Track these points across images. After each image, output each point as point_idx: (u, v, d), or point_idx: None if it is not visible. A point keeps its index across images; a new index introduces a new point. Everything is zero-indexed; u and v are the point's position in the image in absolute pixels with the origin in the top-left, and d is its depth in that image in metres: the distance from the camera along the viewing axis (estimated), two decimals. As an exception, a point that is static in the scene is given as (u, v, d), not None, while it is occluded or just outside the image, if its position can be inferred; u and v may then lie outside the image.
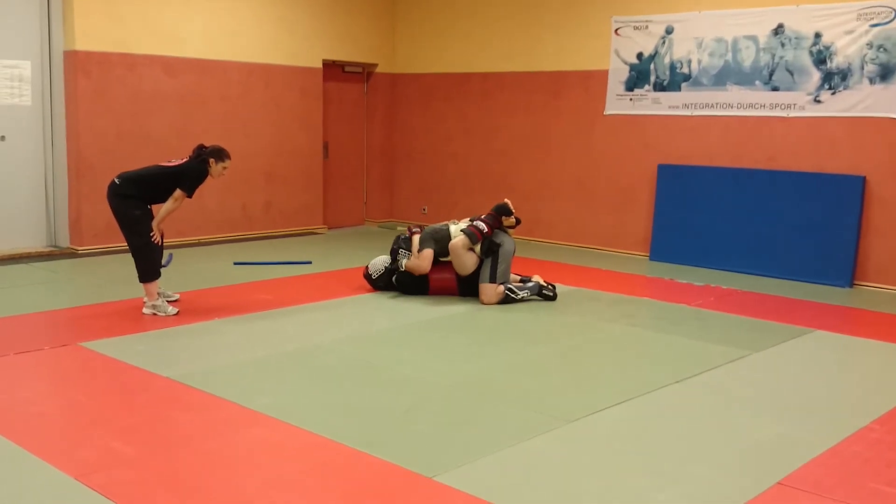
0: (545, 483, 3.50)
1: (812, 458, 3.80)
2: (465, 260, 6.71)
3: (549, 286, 6.90)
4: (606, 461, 3.74)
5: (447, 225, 6.91)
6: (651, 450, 3.87)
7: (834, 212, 7.86)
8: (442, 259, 6.85)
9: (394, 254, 6.99)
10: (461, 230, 6.74)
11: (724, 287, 7.63)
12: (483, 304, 6.70)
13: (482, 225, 6.70)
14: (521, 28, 10.00)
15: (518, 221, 7.04)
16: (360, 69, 11.21)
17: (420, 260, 6.72)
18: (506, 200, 7.00)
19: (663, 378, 4.90)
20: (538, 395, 4.60)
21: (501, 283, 6.72)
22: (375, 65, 11.20)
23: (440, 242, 6.77)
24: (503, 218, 6.88)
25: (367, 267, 7.13)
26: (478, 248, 6.73)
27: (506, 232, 6.89)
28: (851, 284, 7.81)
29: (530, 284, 6.86)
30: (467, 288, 6.84)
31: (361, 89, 11.33)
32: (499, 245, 6.74)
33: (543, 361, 5.28)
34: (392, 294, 6.91)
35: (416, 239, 6.86)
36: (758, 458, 3.81)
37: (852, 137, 7.81)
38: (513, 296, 6.71)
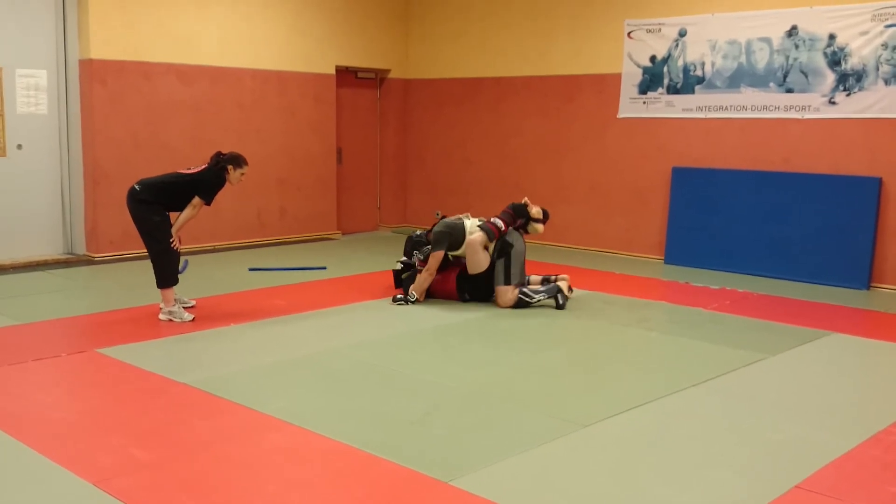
0: (562, 488, 3.49)
1: (830, 461, 3.78)
2: (480, 258, 6.67)
3: (564, 294, 6.74)
4: (623, 465, 3.73)
5: (461, 220, 6.86)
6: (668, 454, 3.86)
7: (850, 213, 7.82)
8: (452, 254, 6.80)
9: (409, 255, 7.02)
10: (478, 226, 6.72)
11: (740, 290, 7.60)
12: (499, 306, 6.69)
13: (499, 222, 6.68)
14: (533, 32, 10.00)
15: (546, 215, 7.01)
16: (373, 75, 11.24)
17: (431, 259, 6.69)
18: (525, 200, 7.00)
19: (680, 382, 4.88)
20: (554, 399, 4.60)
21: (517, 285, 6.71)
22: (388, 70, 11.23)
23: (454, 236, 6.73)
24: (531, 220, 6.87)
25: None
26: (491, 247, 6.72)
27: (518, 231, 6.86)
28: (868, 287, 7.76)
29: (548, 286, 6.79)
30: (469, 289, 6.81)
31: (374, 95, 11.36)
32: (511, 245, 6.72)
33: (559, 366, 5.27)
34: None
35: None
36: (775, 461, 3.80)
37: (868, 139, 7.76)
38: (527, 300, 6.69)
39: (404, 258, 7.10)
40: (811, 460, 3.78)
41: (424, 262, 6.79)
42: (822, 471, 3.68)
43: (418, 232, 7.11)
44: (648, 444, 3.98)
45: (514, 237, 6.77)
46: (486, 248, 6.70)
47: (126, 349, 5.35)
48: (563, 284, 6.83)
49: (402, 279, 7.00)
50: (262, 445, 3.88)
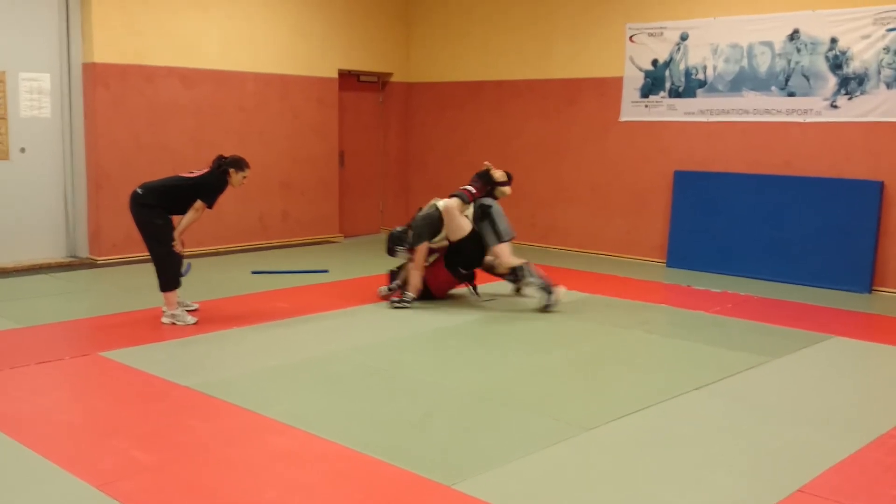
0: (564, 491, 3.50)
1: (832, 465, 3.78)
2: (461, 222, 6.73)
3: (556, 298, 6.67)
4: (625, 469, 3.73)
5: (433, 205, 6.91)
6: (670, 457, 3.86)
7: (852, 217, 7.81)
8: (436, 240, 6.82)
9: (391, 252, 7.05)
10: (452, 194, 6.83)
11: (742, 293, 7.60)
12: (503, 265, 6.74)
13: (471, 188, 6.83)
14: (535, 36, 10.01)
15: (510, 177, 7.12)
16: (375, 78, 11.26)
17: (416, 253, 6.74)
18: (486, 164, 7.12)
19: (682, 385, 4.88)
20: (555, 402, 4.60)
21: (512, 239, 6.78)
22: (390, 74, 11.25)
23: (433, 225, 6.78)
24: (497, 185, 7.01)
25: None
26: (469, 211, 6.78)
27: (493, 196, 6.99)
28: (870, 290, 7.75)
29: (547, 283, 6.74)
30: (460, 263, 6.84)
31: (377, 98, 11.38)
32: (489, 206, 6.82)
33: (560, 369, 5.28)
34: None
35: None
36: (778, 465, 3.80)
37: (869, 142, 7.77)
38: (524, 274, 6.67)
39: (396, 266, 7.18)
40: (813, 464, 3.79)
41: (411, 250, 6.86)
42: (824, 474, 3.68)
43: (399, 228, 7.10)
44: (651, 447, 3.98)
45: (489, 200, 6.89)
46: (465, 215, 6.78)
47: (129, 352, 5.36)
48: (560, 290, 6.76)
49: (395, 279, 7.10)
50: (264, 448, 3.88)
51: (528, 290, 6.84)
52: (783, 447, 4.00)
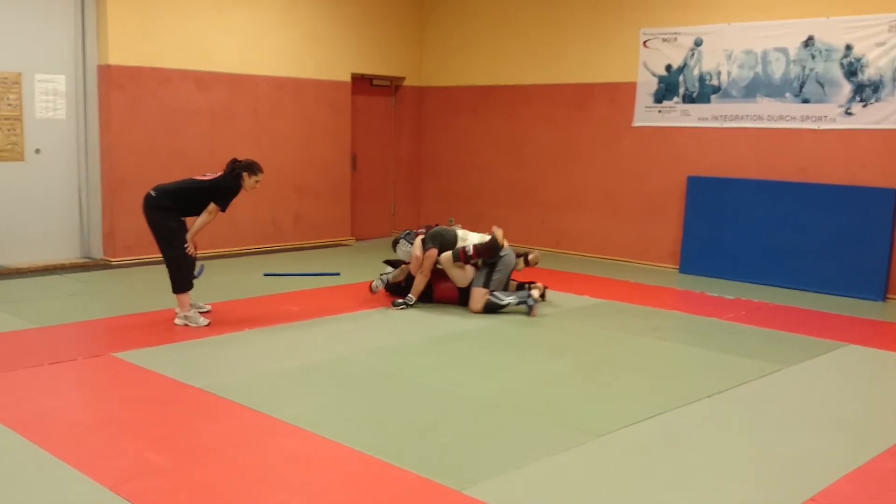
0: (574, 498, 3.49)
1: (844, 474, 3.76)
2: (453, 274, 6.83)
3: (534, 299, 6.71)
4: (636, 476, 3.72)
5: (454, 229, 7.01)
6: (681, 465, 3.85)
7: (866, 224, 7.77)
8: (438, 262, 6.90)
9: (395, 244, 7.08)
10: (454, 249, 6.83)
11: (756, 300, 7.57)
12: (471, 310, 6.75)
13: (470, 248, 6.78)
14: (547, 40, 10.01)
15: (526, 261, 7.15)
16: (388, 82, 11.28)
17: (425, 258, 6.77)
18: (495, 229, 6.92)
19: (694, 392, 4.86)
20: (566, 408, 4.59)
21: (491, 291, 6.76)
22: (403, 78, 11.27)
23: (446, 239, 6.85)
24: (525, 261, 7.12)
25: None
26: (479, 261, 6.81)
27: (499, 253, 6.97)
28: (884, 298, 7.71)
29: (519, 293, 6.83)
30: (466, 299, 6.91)
31: (389, 102, 11.40)
32: (502, 257, 6.84)
33: (571, 375, 5.27)
34: (419, 306, 6.92)
35: (418, 240, 6.90)
36: (789, 473, 3.78)
37: (884, 150, 7.72)
38: (497, 302, 6.70)
39: (387, 271, 7.25)
40: (825, 473, 3.77)
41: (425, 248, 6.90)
42: (836, 483, 3.66)
43: (415, 231, 7.15)
44: (662, 454, 3.97)
45: (507, 250, 6.89)
46: (473, 266, 6.82)
47: (142, 353, 5.39)
48: (534, 292, 6.84)
49: (402, 287, 7.10)
50: (275, 451, 3.89)
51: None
52: (796, 455, 3.98)
